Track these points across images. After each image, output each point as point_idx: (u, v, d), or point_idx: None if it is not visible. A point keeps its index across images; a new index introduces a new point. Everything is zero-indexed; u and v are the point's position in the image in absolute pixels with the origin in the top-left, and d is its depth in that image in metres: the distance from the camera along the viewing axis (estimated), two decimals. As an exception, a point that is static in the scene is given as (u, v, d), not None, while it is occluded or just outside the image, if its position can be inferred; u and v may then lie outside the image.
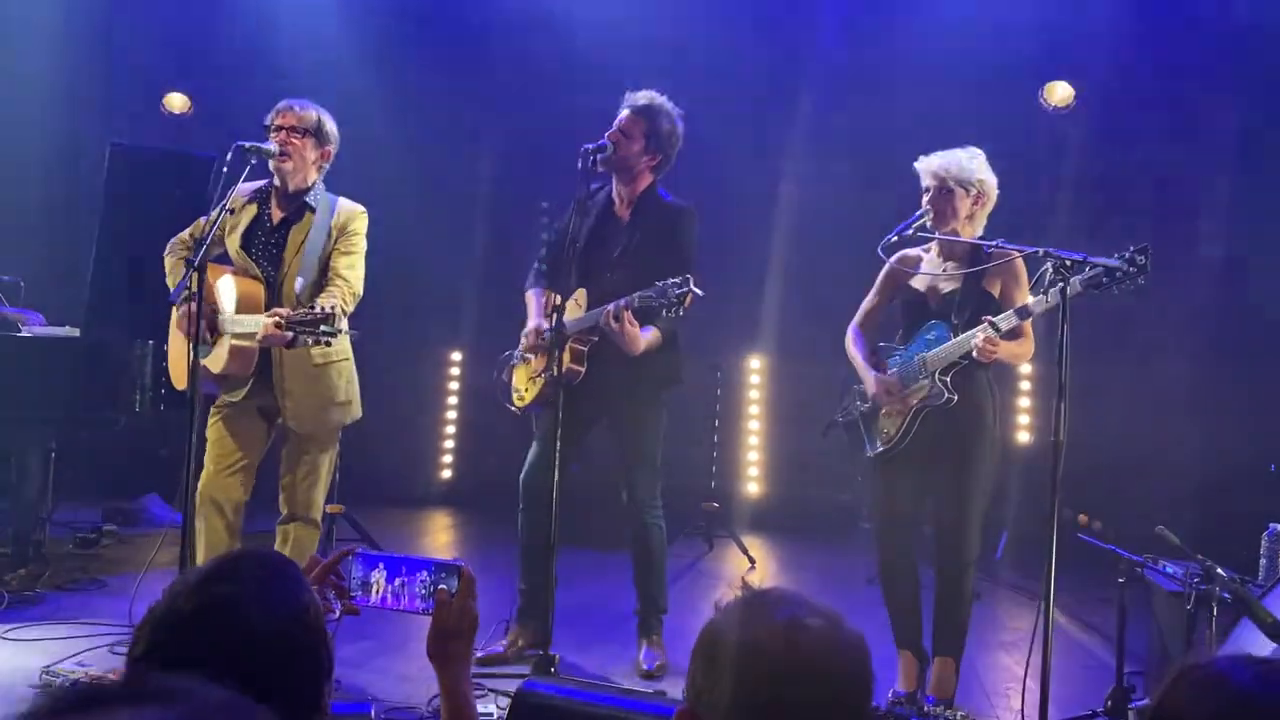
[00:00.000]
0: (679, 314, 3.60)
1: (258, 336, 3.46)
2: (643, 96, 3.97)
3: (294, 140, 3.68)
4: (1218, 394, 6.18)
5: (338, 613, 1.88)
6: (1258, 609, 3.01)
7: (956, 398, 3.53)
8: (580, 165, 3.83)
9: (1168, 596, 3.70)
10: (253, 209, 3.77)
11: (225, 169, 3.46)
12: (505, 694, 3.39)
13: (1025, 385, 6.53)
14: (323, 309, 3.32)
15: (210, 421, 3.77)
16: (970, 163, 3.59)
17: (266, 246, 3.73)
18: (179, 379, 3.77)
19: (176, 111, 7.50)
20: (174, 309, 3.71)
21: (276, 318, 3.38)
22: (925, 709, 3.53)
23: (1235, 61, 6.41)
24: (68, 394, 4.73)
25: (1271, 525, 3.83)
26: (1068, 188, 6.33)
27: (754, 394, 7.22)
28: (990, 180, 3.62)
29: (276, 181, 3.74)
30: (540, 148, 6.65)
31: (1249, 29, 6.36)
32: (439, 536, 6.88)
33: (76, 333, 4.88)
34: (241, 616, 1.32)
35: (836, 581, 5.51)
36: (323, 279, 3.70)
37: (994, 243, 3.50)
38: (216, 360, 3.64)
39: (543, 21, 6.89)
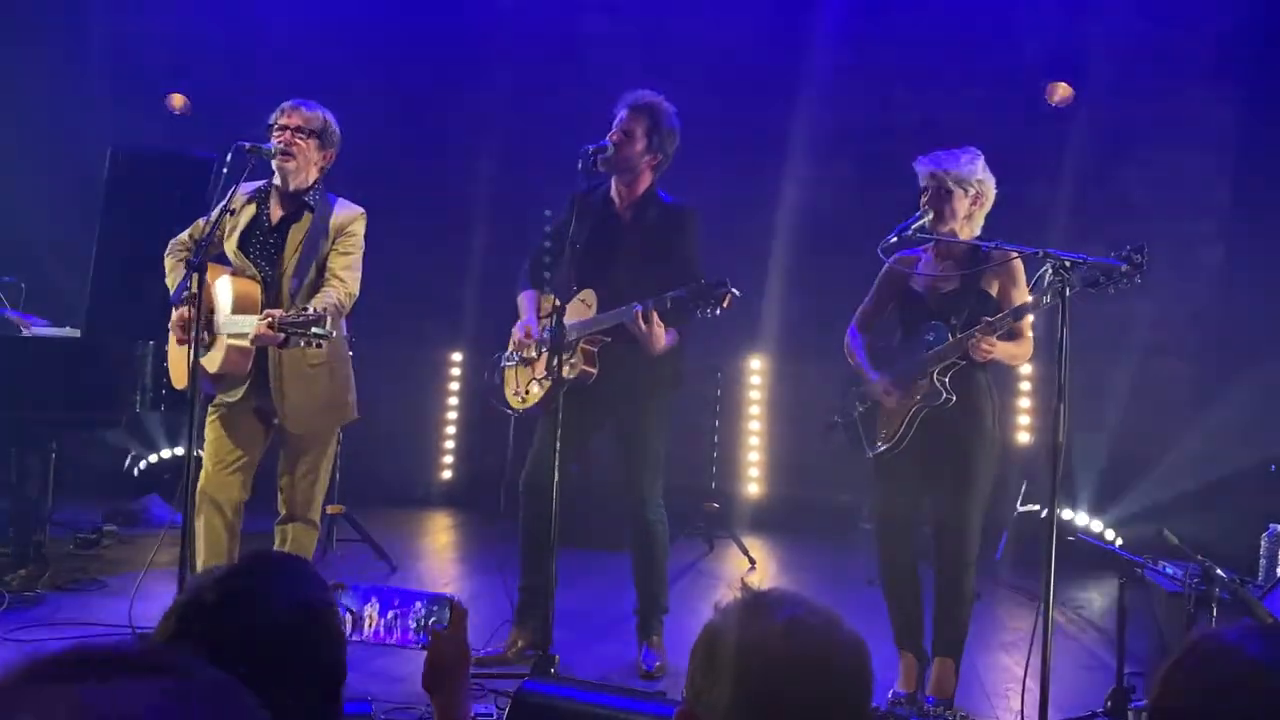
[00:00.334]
0: (715, 314, 3.58)
1: (250, 337, 3.46)
2: (643, 96, 3.95)
3: (299, 141, 3.67)
4: (1218, 394, 6.18)
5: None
6: (1258, 610, 3.01)
7: (955, 398, 3.53)
8: (580, 166, 3.82)
9: (1168, 597, 3.70)
10: (251, 209, 3.76)
11: (225, 169, 3.46)
12: (505, 694, 3.38)
13: (1025, 386, 6.53)
14: (315, 311, 3.31)
15: (208, 421, 3.77)
16: (969, 163, 3.59)
17: (264, 246, 3.73)
18: (178, 379, 3.77)
19: (177, 111, 7.50)
20: (174, 310, 3.72)
21: (270, 319, 3.38)
22: (925, 709, 3.53)
23: (1235, 61, 6.41)
24: (68, 394, 4.72)
25: (1271, 525, 3.84)
26: (1068, 188, 6.33)
27: (754, 394, 7.21)
28: (989, 180, 3.62)
29: (277, 181, 3.73)
30: (540, 148, 6.64)
31: (1249, 29, 6.36)
32: (439, 537, 6.88)
33: (77, 333, 4.88)
34: (262, 610, 1.36)
35: (836, 582, 5.49)
36: (320, 279, 3.70)
37: (992, 243, 3.50)
38: (213, 360, 3.63)
39: (543, 21, 6.89)
